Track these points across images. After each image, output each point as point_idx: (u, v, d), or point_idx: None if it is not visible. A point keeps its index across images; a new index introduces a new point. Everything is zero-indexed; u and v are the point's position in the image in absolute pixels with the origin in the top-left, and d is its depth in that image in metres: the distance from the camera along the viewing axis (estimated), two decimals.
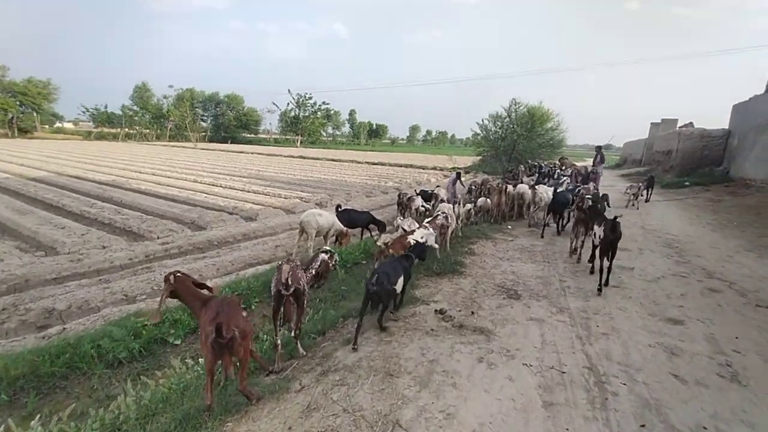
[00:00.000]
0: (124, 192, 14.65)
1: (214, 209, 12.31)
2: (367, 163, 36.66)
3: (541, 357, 3.02)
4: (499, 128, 12.54)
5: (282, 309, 3.14)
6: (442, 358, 3.01)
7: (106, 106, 67.27)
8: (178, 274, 2.89)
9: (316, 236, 7.88)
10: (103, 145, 49.50)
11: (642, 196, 11.10)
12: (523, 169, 12.41)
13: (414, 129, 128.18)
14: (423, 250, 4.39)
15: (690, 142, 17.36)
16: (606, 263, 4.57)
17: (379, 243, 5.58)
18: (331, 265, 3.80)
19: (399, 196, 10.63)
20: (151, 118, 71.16)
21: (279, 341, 3.14)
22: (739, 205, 10.04)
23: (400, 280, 3.67)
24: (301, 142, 75.02)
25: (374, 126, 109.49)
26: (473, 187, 13.03)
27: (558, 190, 7.85)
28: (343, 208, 9.11)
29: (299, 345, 3.33)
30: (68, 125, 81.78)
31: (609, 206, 8.50)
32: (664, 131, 23.59)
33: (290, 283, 3.05)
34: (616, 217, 4.64)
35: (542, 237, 7.06)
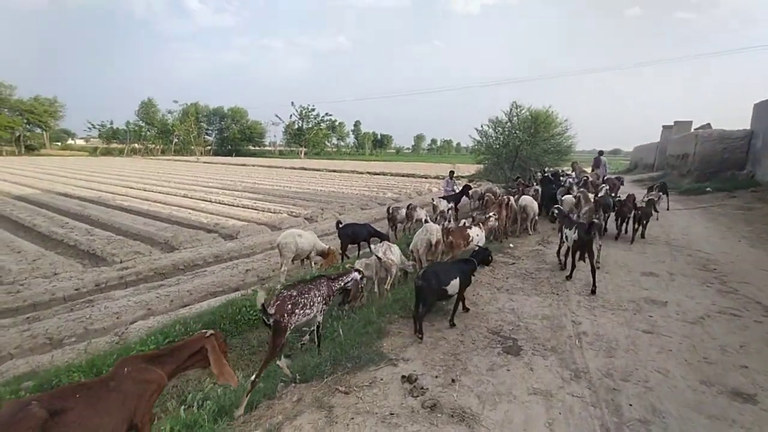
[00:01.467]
0: (105, 209, 13.91)
1: (194, 227, 11.47)
2: (368, 173, 36.01)
3: None
4: (500, 134, 11.47)
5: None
6: None
7: (111, 122, 68.02)
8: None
9: (294, 259, 6.93)
10: (105, 161, 49.66)
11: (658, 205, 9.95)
12: (539, 176, 11.25)
13: (419, 138, 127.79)
14: (487, 255, 4.33)
15: (708, 144, 16.12)
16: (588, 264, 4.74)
17: (379, 255, 4.87)
18: (362, 284, 3.78)
19: (388, 210, 9.67)
20: (157, 133, 71.69)
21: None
22: None
23: (454, 282, 3.67)
24: (305, 154, 74.80)
25: (379, 136, 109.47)
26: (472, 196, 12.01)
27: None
28: (344, 223, 8.29)
29: (245, 400, 2.75)
30: (80, 141, 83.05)
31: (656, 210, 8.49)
32: (677, 134, 22.32)
33: (272, 312, 2.85)
34: (592, 222, 4.97)
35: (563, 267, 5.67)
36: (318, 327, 3.41)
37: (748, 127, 15.66)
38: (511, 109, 11.08)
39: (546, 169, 11.55)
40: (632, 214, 7.48)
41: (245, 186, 22.74)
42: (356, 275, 3.79)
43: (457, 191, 12.40)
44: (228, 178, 27.90)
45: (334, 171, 38.36)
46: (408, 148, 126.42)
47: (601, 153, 12.76)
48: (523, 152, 10.93)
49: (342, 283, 3.61)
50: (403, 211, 9.75)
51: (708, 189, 13.51)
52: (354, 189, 22.45)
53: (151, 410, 2.15)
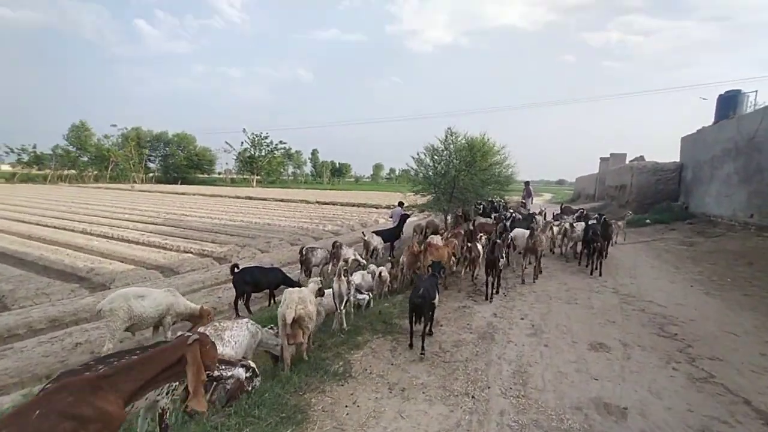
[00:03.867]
0: None
1: (57, 273, 9.07)
2: (318, 203, 34.28)
3: None
4: (438, 163, 10.38)
5: None
6: None
7: (34, 146, 61.24)
8: None
9: (137, 329, 4.96)
10: (17, 189, 43.61)
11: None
12: (481, 207, 10.20)
13: (377, 167, 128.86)
14: (440, 267, 4.88)
15: (644, 176, 16.32)
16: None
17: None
18: (248, 387, 2.84)
19: (301, 252, 7.99)
20: (91, 159, 65.55)
21: None
22: (719, 251, 8.22)
23: (437, 296, 4.14)
24: (257, 182, 71.70)
25: (337, 165, 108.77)
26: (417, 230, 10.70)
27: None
28: (243, 267, 6.54)
29: None
30: (5, 167, 73.52)
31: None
32: (613, 166, 23.07)
33: None
34: (495, 241, 5.71)
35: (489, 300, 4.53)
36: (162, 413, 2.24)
37: (678, 160, 16.08)
38: (446, 136, 10.10)
39: (479, 202, 10.54)
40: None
41: (168, 218, 20.06)
42: (241, 372, 2.87)
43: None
44: (154, 209, 24.86)
45: (282, 201, 36.18)
46: (367, 177, 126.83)
47: (527, 183, 12.25)
48: (460, 183, 9.84)
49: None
50: (320, 253, 8.13)
51: (647, 221, 13.27)
52: (293, 221, 20.55)
53: None
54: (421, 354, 3.69)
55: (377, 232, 10.12)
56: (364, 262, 8.79)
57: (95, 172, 65.88)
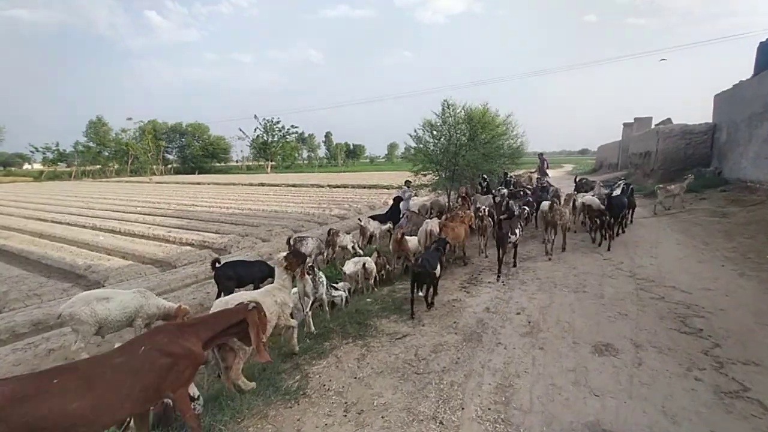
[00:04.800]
0: None
1: (54, 272, 9.07)
2: (329, 186, 33.91)
3: None
4: (438, 138, 9.62)
5: None
6: None
7: (57, 144, 63.14)
8: None
9: (102, 332, 4.69)
10: (43, 186, 45.23)
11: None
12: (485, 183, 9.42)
13: (392, 146, 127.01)
14: (445, 243, 5.10)
15: (671, 140, 14.92)
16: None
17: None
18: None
19: (288, 242, 7.55)
20: (111, 153, 67.26)
21: None
22: (757, 222, 7.26)
23: (438, 267, 4.41)
24: (271, 168, 71.96)
25: (351, 146, 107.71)
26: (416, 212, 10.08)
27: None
28: (225, 261, 6.26)
29: None
30: (37, 166, 76.54)
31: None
32: (638, 131, 21.39)
33: None
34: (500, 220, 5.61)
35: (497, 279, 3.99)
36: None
37: (711, 121, 14.57)
38: (443, 109, 9.27)
39: (484, 177, 9.74)
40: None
41: (177, 210, 20.17)
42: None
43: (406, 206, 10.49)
44: (167, 200, 25.11)
45: (293, 186, 36.05)
46: (382, 158, 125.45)
47: (541, 155, 11.34)
48: (461, 159, 9.08)
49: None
50: (311, 242, 7.69)
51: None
52: (300, 206, 20.24)
53: (186, 381, 2.06)
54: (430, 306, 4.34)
55: (374, 217, 9.59)
56: (360, 251, 8.33)
57: (116, 167, 67.68)
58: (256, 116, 73.09)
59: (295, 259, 3.46)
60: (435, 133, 9.98)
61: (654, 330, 3.62)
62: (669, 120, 17.01)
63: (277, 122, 73.53)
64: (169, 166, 75.44)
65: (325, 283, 4.35)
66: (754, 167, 10.98)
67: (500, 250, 5.42)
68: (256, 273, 6.31)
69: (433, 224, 6.25)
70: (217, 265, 5.96)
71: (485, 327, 3.87)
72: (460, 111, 9.28)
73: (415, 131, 10.10)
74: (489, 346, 3.47)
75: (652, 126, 19.16)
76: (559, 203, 6.76)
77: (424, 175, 10.67)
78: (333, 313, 4.48)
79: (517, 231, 5.82)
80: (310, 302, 3.92)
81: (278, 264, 3.45)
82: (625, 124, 24.51)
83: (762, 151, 10.68)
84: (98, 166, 65.87)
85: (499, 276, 5.40)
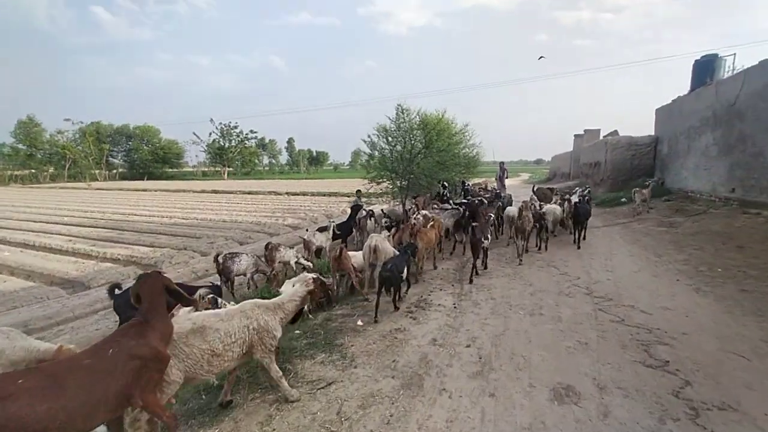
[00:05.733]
0: None
1: None
2: (288, 194, 32.57)
3: None
4: (393, 145, 9.05)
5: None
6: None
7: None
8: None
9: None
10: None
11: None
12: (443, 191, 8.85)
13: (356, 154, 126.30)
14: (415, 248, 5.39)
15: (618, 151, 15.47)
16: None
17: None
18: None
19: (216, 259, 6.59)
20: (45, 157, 61.02)
21: None
22: (703, 232, 7.31)
23: (405, 270, 4.66)
24: (228, 174, 68.74)
25: (314, 153, 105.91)
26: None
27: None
28: (125, 288, 5.09)
29: None
30: None
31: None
32: (588, 142, 22.30)
33: None
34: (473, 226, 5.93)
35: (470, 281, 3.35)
36: None
37: (653, 133, 15.28)
38: (397, 114, 8.76)
39: (444, 184, 9.29)
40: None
41: (111, 220, 18.15)
42: None
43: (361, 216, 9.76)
44: (102, 209, 22.69)
45: (249, 193, 34.31)
46: (346, 165, 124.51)
47: (502, 163, 11.26)
48: (416, 166, 8.57)
49: None
50: (244, 259, 6.78)
51: (623, 200, 12.41)
52: (253, 215, 18.96)
53: (155, 385, 2.04)
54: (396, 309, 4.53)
55: (321, 229, 8.82)
56: (310, 264, 7.51)
57: (51, 171, 61.48)
58: (212, 120, 69.83)
59: (321, 288, 3.13)
60: (390, 139, 9.41)
61: (617, 364, 3.16)
62: (616, 132, 17.75)
63: (235, 127, 70.63)
64: (114, 171, 69.96)
65: None
66: (694, 178, 11.45)
67: (475, 255, 5.84)
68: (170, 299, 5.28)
69: (378, 239, 5.59)
70: (117, 291, 4.87)
71: (429, 366, 3.24)
72: (415, 116, 8.81)
73: (369, 137, 9.49)
74: (431, 395, 2.83)
75: (601, 137, 20.00)
76: (522, 210, 6.84)
77: (378, 183, 10.06)
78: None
79: (488, 236, 6.27)
80: None
81: (302, 282, 3.04)
82: (576, 136, 25.55)
83: (700, 163, 11.16)
84: (30, 171, 59.46)
85: (471, 279, 5.65)
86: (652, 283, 5.16)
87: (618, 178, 15.32)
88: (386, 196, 10.49)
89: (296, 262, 7.60)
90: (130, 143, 71.73)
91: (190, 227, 15.69)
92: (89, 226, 16.44)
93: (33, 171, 59.30)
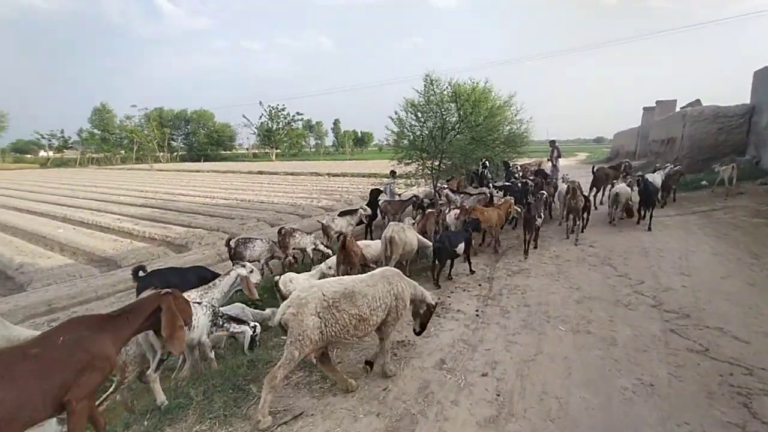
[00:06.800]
0: None
1: None
2: (329, 174, 32.60)
3: None
4: (422, 122, 8.09)
5: None
6: None
7: (62, 131, 62.96)
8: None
9: None
10: (43, 174, 44.79)
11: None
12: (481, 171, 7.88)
13: (400, 133, 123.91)
14: (477, 223, 5.48)
15: (699, 125, 13.06)
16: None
17: None
18: None
19: (227, 244, 6.24)
20: (116, 140, 66.87)
21: None
22: None
23: (461, 245, 4.81)
24: (276, 155, 70.87)
25: (359, 134, 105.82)
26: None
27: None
28: (151, 269, 5.07)
29: None
30: (50, 153, 76.73)
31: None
32: (660, 116, 19.34)
33: None
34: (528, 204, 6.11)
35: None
36: None
37: (748, 102, 12.64)
38: (425, 86, 7.71)
39: (485, 163, 8.14)
40: None
41: (160, 199, 19.10)
42: None
43: (401, 197, 9.17)
44: (157, 188, 24.13)
45: (292, 174, 34.84)
46: (390, 145, 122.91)
47: (553, 142, 9.79)
48: (447, 144, 7.57)
49: None
50: (258, 245, 6.38)
51: (704, 183, 10.41)
52: (290, 197, 18.98)
53: (93, 390, 1.85)
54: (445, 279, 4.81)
55: (344, 213, 8.23)
56: (329, 251, 6.99)
57: (123, 154, 67.36)
58: (261, 103, 71.77)
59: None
60: (419, 115, 8.42)
61: (701, 426, 2.19)
62: (698, 102, 15.06)
63: (282, 109, 72.03)
64: (176, 153, 74.99)
65: (213, 314, 3.05)
66: None
67: (526, 232, 5.91)
68: (192, 281, 4.97)
69: (396, 229, 4.82)
70: (141, 274, 4.67)
71: (429, 402, 2.50)
72: (446, 87, 7.71)
73: (396, 113, 8.57)
74: None
75: (677, 109, 17.16)
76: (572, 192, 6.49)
77: (407, 164, 9.18)
78: (214, 364, 3.12)
79: (542, 214, 6.38)
80: (157, 357, 2.57)
81: None
82: (645, 109, 22.40)
83: None
84: (105, 154, 65.59)
85: (526, 254, 5.82)
86: (749, 294, 3.91)
87: (697, 157, 12.98)
88: (418, 177, 9.59)
89: (314, 249, 7.12)
90: (188, 127, 76.12)
91: (228, 207, 15.98)
92: (140, 206, 17.39)
93: (107, 154, 65.33)
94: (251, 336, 3.37)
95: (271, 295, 5.25)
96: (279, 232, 6.76)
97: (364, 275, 2.84)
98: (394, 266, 4.82)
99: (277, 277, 4.61)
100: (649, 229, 6.66)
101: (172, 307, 2.19)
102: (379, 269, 2.95)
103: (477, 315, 3.79)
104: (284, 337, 3.37)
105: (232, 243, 6.21)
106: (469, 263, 5.15)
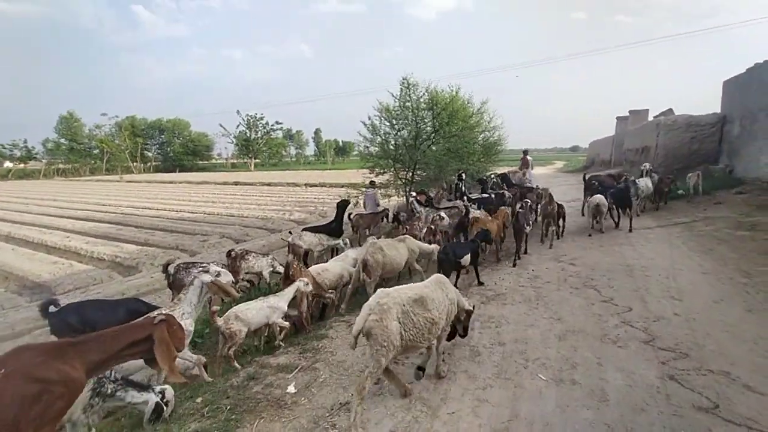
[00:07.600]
0: None
1: None
2: (306, 185, 31.76)
3: None
4: (397, 129, 7.53)
5: None
6: None
7: (25, 141, 59.69)
8: None
9: None
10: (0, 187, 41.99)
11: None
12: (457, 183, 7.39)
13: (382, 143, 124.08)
14: (487, 235, 5.37)
15: (673, 133, 13.06)
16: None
17: None
18: None
19: (165, 270, 5.42)
20: (84, 150, 63.95)
21: None
22: None
23: (467, 257, 4.65)
24: (255, 165, 69.42)
25: (341, 143, 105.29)
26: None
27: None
28: (66, 303, 4.13)
29: None
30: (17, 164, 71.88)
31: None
32: (633, 125, 19.56)
33: None
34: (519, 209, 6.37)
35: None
36: None
37: (719, 111, 12.73)
38: (401, 90, 7.18)
39: (459, 175, 7.64)
40: None
41: (120, 214, 17.85)
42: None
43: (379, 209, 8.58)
44: (121, 201, 22.73)
45: (268, 184, 33.88)
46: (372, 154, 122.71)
47: (526, 152, 9.47)
48: (421, 154, 7.02)
49: None
50: (212, 268, 5.56)
51: (681, 192, 10.23)
52: (261, 209, 18.13)
53: (57, 415, 1.65)
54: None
55: (309, 229, 7.55)
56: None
57: (92, 164, 64.40)
58: (238, 111, 70.48)
59: None
60: (393, 122, 7.86)
61: None
62: (671, 111, 15.18)
63: (261, 118, 70.82)
64: (149, 164, 72.36)
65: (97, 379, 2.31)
66: None
67: (517, 240, 6.05)
68: (120, 317, 4.11)
69: (371, 250, 4.19)
70: (51, 309, 3.80)
71: None
72: (423, 93, 7.19)
73: (369, 118, 7.99)
74: None
75: (650, 119, 17.34)
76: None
77: (379, 174, 8.59)
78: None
79: (530, 222, 6.47)
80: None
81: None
82: (618, 118, 22.73)
83: None
84: (73, 165, 62.51)
85: (514, 264, 5.77)
86: (748, 324, 3.44)
87: (672, 166, 12.92)
88: (388, 187, 9.01)
89: (272, 272, 6.37)
90: (162, 136, 73.74)
91: (192, 222, 14.98)
92: (96, 221, 16.15)
93: (75, 165, 62.28)
94: (156, 403, 2.61)
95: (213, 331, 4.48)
96: (228, 254, 5.98)
97: (420, 283, 2.92)
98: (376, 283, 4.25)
99: (220, 317, 3.83)
100: (630, 230, 7.02)
101: (166, 337, 2.02)
102: (433, 276, 3.02)
103: (443, 361, 3.15)
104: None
105: (171, 268, 5.36)
106: (477, 274, 5.08)
